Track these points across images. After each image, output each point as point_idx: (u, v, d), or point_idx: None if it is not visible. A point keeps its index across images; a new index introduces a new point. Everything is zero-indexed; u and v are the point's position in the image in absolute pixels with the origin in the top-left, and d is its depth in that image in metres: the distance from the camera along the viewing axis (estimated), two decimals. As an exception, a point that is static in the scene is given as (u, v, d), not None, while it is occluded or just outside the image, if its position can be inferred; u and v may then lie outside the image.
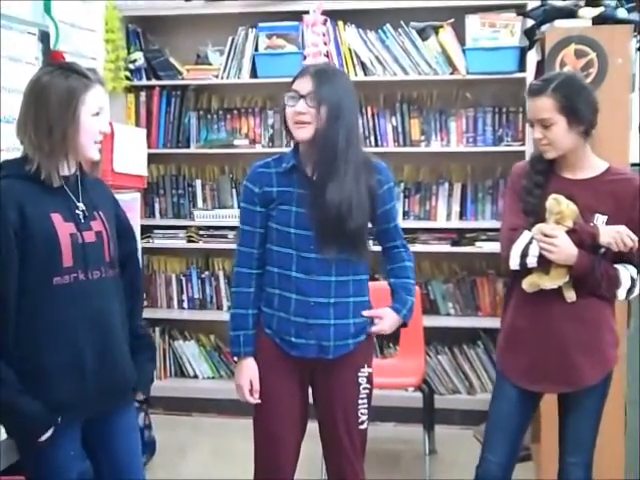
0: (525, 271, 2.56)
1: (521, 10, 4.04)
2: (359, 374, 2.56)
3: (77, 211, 2.24)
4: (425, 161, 4.51)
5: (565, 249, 2.48)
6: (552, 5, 3.45)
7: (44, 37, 3.50)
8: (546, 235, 2.48)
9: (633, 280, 2.56)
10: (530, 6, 3.84)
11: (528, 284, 2.56)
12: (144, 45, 4.66)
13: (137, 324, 2.44)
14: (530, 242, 2.51)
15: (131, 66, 4.55)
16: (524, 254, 2.52)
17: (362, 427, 2.58)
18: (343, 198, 2.39)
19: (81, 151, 2.24)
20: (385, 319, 2.58)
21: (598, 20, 3.27)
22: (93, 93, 2.23)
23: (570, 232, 2.49)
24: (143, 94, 4.65)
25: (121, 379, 2.32)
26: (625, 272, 2.55)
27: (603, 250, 2.48)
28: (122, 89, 4.50)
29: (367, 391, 2.58)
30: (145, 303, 4.60)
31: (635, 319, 3.30)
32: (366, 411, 2.58)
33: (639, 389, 3.29)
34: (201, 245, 4.64)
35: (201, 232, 4.63)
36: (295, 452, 2.60)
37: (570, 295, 2.55)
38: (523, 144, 4.22)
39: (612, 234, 2.46)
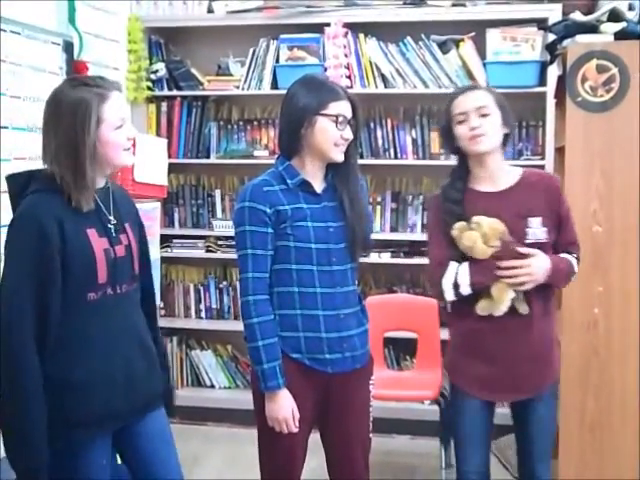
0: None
1: (542, 24, 4.04)
2: (370, 382, 2.60)
3: (109, 225, 2.24)
4: (444, 174, 4.42)
5: (539, 275, 2.51)
6: (574, 20, 3.44)
7: (68, 47, 3.54)
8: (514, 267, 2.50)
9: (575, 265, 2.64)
10: (552, 21, 3.84)
11: (480, 309, 2.56)
12: (166, 56, 4.70)
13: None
14: (457, 272, 2.53)
15: (153, 76, 4.59)
16: (456, 285, 2.54)
17: (371, 435, 2.61)
18: (367, 207, 2.59)
19: (112, 164, 2.23)
20: None
21: (620, 35, 3.26)
22: (110, 105, 2.17)
23: (495, 255, 2.50)
24: (164, 104, 4.68)
25: (151, 388, 2.33)
26: (572, 259, 2.63)
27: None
28: (143, 99, 4.54)
29: (372, 398, 2.62)
30: (162, 312, 4.64)
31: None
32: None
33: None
34: (219, 255, 4.65)
35: (220, 242, 4.64)
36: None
37: (523, 308, 2.54)
38: (543, 158, 4.21)
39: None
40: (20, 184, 2.21)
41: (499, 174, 2.61)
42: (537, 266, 2.50)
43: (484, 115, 2.54)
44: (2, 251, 2.19)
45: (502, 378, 2.59)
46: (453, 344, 2.73)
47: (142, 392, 2.29)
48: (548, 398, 2.67)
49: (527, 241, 2.52)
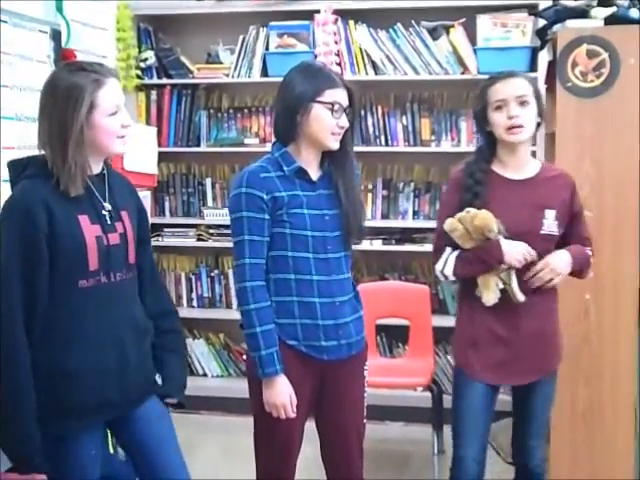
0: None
1: (533, 10, 4.03)
2: (364, 368, 2.60)
3: (103, 212, 2.21)
4: (435, 161, 4.50)
5: (562, 267, 2.59)
6: (564, 5, 3.44)
7: (56, 35, 3.51)
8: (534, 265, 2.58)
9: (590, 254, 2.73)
10: (542, 6, 3.82)
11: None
12: (155, 44, 4.68)
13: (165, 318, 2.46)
14: (446, 261, 2.61)
15: (142, 65, 4.57)
16: (443, 273, 2.63)
17: (364, 421, 2.62)
18: (360, 196, 2.59)
19: (105, 151, 2.22)
20: None
21: (610, 20, 3.25)
22: (105, 91, 2.15)
23: (473, 249, 2.56)
24: (154, 93, 4.67)
25: (142, 380, 2.30)
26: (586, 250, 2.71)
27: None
28: (133, 88, 4.50)
29: (367, 384, 2.63)
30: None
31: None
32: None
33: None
34: (211, 244, 4.64)
35: (211, 231, 4.63)
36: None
37: (517, 298, 2.58)
38: (534, 144, 4.19)
39: (516, 256, 2.54)
40: (18, 170, 2.21)
41: (523, 163, 2.65)
42: (556, 261, 2.57)
43: (523, 104, 2.55)
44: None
45: (515, 361, 2.63)
46: (462, 328, 2.73)
47: (136, 382, 2.27)
48: (552, 375, 2.73)
49: (542, 232, 2.59)
